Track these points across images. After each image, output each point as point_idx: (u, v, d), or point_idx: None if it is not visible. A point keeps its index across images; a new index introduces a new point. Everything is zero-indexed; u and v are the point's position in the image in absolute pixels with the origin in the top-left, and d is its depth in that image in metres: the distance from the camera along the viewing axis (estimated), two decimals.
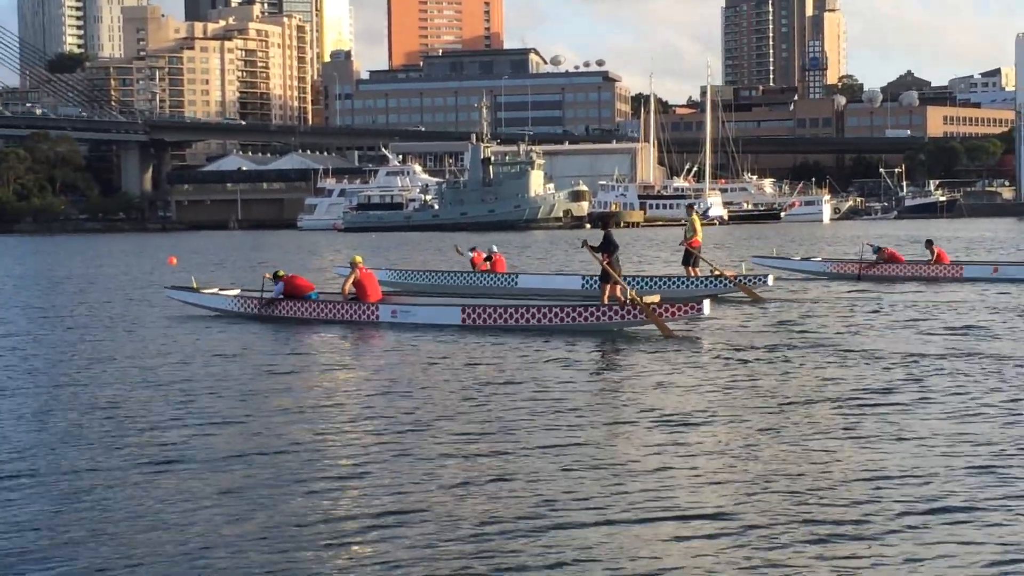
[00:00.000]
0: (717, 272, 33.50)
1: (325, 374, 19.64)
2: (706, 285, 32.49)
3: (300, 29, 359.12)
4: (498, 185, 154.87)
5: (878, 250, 40.83)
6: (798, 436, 13.66)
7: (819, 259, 44.11)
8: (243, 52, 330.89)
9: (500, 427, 14.50)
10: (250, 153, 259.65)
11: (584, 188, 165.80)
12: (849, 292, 34.28)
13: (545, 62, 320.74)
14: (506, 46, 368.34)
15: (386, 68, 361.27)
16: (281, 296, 28.75)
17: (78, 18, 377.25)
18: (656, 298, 25.02)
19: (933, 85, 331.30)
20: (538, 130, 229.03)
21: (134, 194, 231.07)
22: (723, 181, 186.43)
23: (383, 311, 27.21)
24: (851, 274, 40.15)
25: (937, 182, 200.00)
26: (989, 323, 25.05)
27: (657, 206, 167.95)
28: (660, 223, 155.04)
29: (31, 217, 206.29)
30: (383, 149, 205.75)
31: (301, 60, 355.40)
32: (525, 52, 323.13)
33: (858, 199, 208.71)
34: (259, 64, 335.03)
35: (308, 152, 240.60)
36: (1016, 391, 16.35)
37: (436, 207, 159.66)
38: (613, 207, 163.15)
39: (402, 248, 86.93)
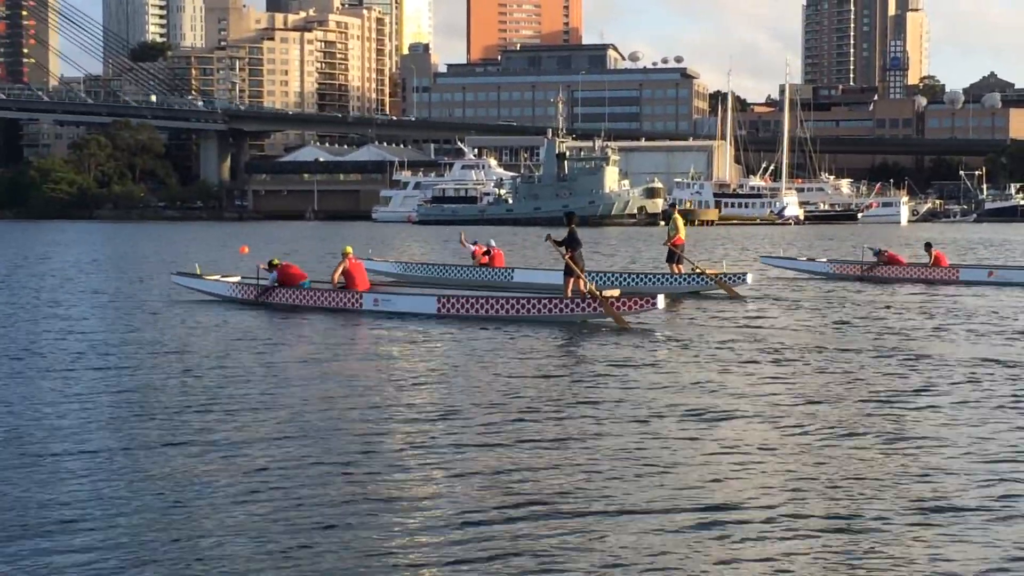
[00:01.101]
0: (698, 270, 34.83)
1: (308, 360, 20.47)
2: (688, 282, 34.12)
3: (379, 21, 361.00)
4: (572, 180, 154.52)
5: (878, 252, 41.59)
6: (735, 426, 14.30)
7: (823, 260, 44.69)
8: (322, 43, 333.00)
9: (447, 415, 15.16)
10: (327, 144, 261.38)
11: (659, 185, 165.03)
12: (832, 292, 35.30)
13: (623, 58, 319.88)
14: (584, 41, 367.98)
15: (464, 62, 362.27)
16: (275, 284, 30.14)
17: (161, 7, 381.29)
18: (616, 292, 26.53)
19: (1016, 87, 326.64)
20: (614, 126, 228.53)
21: (212, 183, 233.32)
22: (800, 181, 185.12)
23: (366, 299, 28.66)
24: (852, 275, 41.01)
25: (1018, 185, 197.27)
26: (954, 325, 25.79)
27: (732, 204, 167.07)
28: (735, 221, 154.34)
29: (111, 204, 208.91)
30: (459, 142, 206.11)
31: (380, 52, 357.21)
32: (603, 48, 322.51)
33: (937, 201, 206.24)
34: (338, 56, 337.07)
35: (385, 144, 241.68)
36: (965, 389, 17.07)
37: (510, 201, 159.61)
38: (687, 205, 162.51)
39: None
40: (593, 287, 26.56)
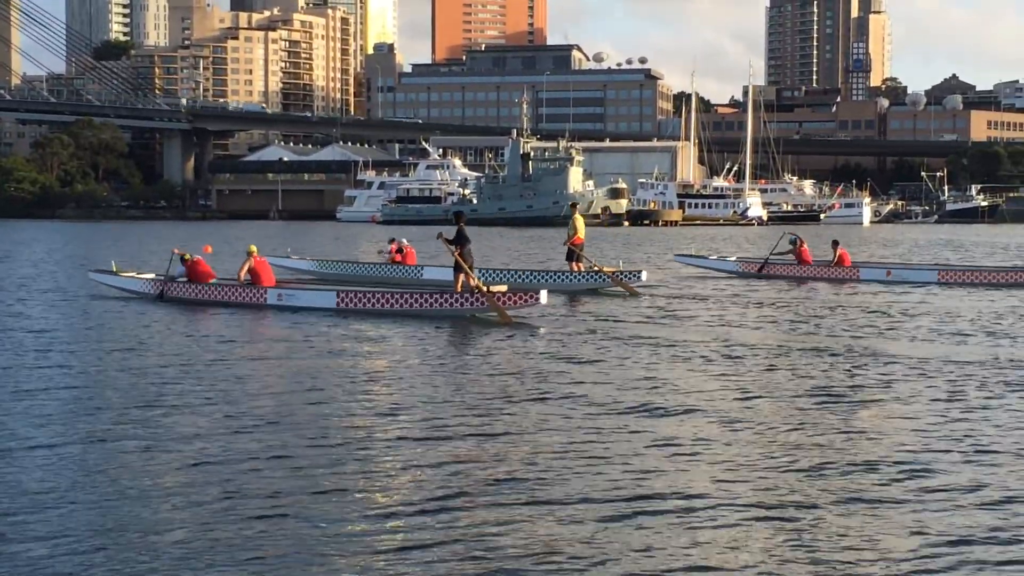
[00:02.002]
0: (596, 268, 36.08)
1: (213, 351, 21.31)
2: (586, 280, 35.62)
3: (344, 21, 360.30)
4: (537, 181, 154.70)
5: (794, 241, 42.42)
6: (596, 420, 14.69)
7: (732, 259, 45.84)
8: (287, 43, 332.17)
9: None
10: (292, 144, 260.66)
11: (623, 185, 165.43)
12: (729, 289, 36.34)
13: (587, 59, 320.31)
14: (549, 42, 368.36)
15: (429, 62, 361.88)
16: (184, 279, 31.32)
17: (124, 6, 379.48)
18: (503, 288, 27.83)
19: (978, 89, 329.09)
20: (579, 127, 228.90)
21: (176, 182, 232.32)
22: (763, 181, 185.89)
23: (270, 295, 29.93)
24: (754, 273, 42.17)
25: (979, 187, 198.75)
26: (843, 320, 26.97)
27: (696, 205, 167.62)
28: (699, 222, 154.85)
29: (74, 203, 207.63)
30: (423, 143, 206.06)
31: (344, 52, 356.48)
32: (568, 48, 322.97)
33: (899, 202, 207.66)
34: (303, 55, 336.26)
35: (349, 144, 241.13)
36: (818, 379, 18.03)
37: (475, 201, 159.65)
38: (651, 205, 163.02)
39: (436, 242, 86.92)
40: (480, 282, 28.08)
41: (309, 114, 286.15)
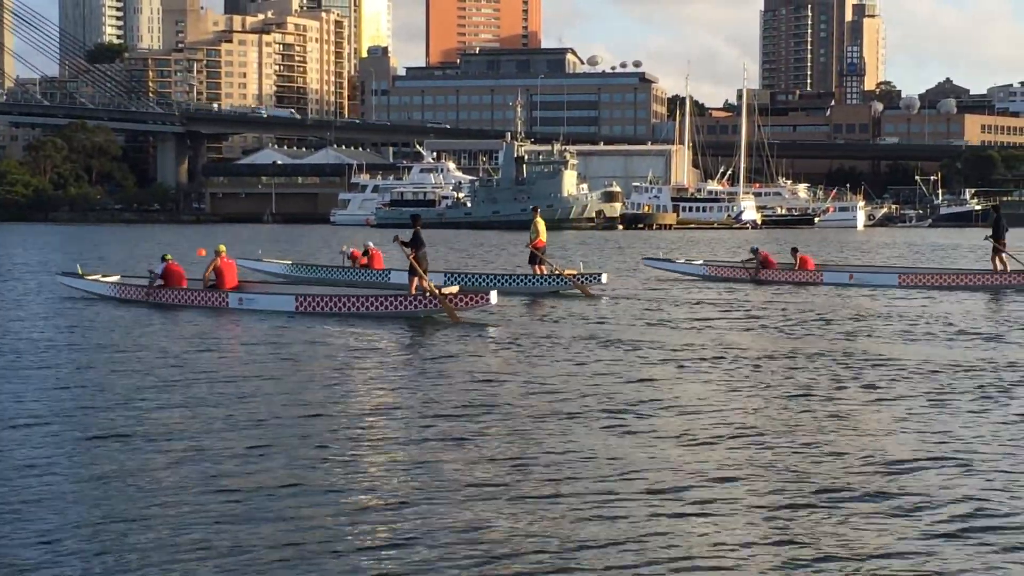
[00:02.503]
0: (557, 271, 36.95)
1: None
2: (547, 283, 36.42)
3: (338, 24, 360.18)
4: (531, 184, 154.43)
5: (754, 250, 43.31)
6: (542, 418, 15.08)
7: (699, 262, 46.45)
8: (281, 46, 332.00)
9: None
10: (285, 147, 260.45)
11: (617, 189, 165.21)
12: (689, 293, 37.12)
13: (582, 62, 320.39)
14: (543, 45, 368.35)
15: (423, 65, 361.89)
16: (160, 282, 32.02)
17: (118, 9, 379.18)
18: (454, 289, 28.90)
19: (972, 93, 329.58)
20: (573, 130, 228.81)
21: (169, 185, 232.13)
22: (757, 185, 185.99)
23: (232, 298, 30.64)
24: (726, 277, 42.84)
25: (973, 191, 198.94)
26: (804, 322, 27.81)
27: (690, 209, 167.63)
28: (693, 226, 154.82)
29: (67, 206, 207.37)
30: (417, 146, 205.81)
31: (338, 55, 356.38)
32: (562, 52, 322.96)
33: (893, 206, 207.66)
34: (296, 58, 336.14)
35: (343, 147, 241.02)
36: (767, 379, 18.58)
37: (469, 205, 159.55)
38: (645, 209, 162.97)
39: (431, 246, 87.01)
40: (433, 285, 29.01)
41: (299, 117, 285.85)
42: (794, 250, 43.58)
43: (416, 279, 29.29)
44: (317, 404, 15.95)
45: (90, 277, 34.68)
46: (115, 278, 34.35)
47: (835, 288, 38.93)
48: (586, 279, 36.25)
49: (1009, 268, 39.42)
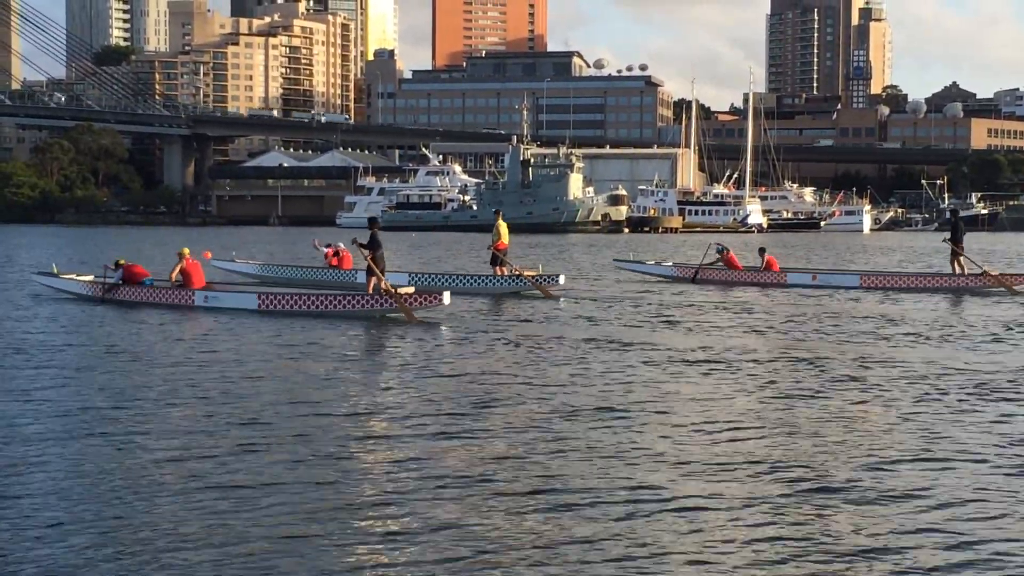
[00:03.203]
0: (517, 271, 38.01)
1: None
2: (508, 283, 37.55)
3: (344, 27, 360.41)
4: (537, 187, 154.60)
5: (721, 250, 44.03)
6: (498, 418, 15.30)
7: (668, 264, 47.87)
8: (287, 49, 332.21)
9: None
10: (292, 150, 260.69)
11: (623, 192, 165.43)
12: (645, 292, 38.41)
13: (588, 65, 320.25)
14: (549, 48, 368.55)
15: (429, 68, 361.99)
16: (120, 282, 33.09)
17: (125, 12, 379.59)
18: (410, 290, 29.99)
19: (978, 97, 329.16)
20: (579, 133, 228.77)
21: (175, 188, 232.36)
22: (763, 189, 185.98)
23: (198, 296, 31.77)
24: (689, 277, 43.47)
25: (979, 195, 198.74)
26: (760, 321, 28.84)
27: (696, 212, 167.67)
28: (699, 229, 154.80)
29: (74, 208, 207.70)
30: (424, 149, 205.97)
31: (345, 58, 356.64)
32: (568, 55, 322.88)
33: (899, 210, 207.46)
34: (303, 61, 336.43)
35: (349, 150, 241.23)
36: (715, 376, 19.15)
37: (475, 208, 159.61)
38: (651, 212, 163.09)
39: (435, 247, 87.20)
40: (389, 285, 30.09)
41: (306, 120, 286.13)
42: (761, 250, 44.09)
43: (373, 279, 30.48)
44: (260, 400, 16.35)
45: (65, 276, 35.85)
46: (88, 277, 35.36)
47: (799, 289, 39.95)
48: (545, 280, 37.29)
49: (967, 271, 40.31)
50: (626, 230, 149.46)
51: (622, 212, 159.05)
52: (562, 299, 35.06)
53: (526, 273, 37.83)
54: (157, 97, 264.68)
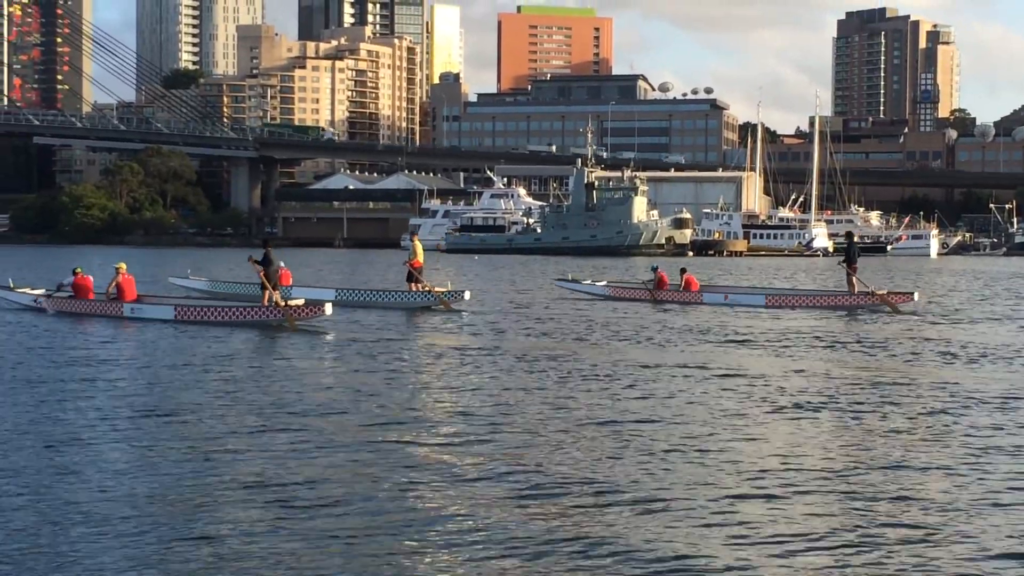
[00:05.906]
0: (427, 288, 41.67)
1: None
2: (420, 299, 41.17)
3: (411, 51, 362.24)
4: (601, 210, 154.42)
5: (655, 268, 47.47)
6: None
7: (603, 283, 50.90)
8: (354, 72, 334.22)
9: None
10: (357, 172, 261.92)
11: (687, 216, 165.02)
12: (589, 311, 40.58)
13: (653, 88, 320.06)
14: (614, 72, 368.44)
15: (494, 91, 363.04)
16: (70, 293, 36.56)
17: (194, 36, 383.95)
18: (301, 301, 34.05)
19: None
20: (644, 156, 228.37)
21: (242, 210, 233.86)
22: (829, 212, 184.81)
23: (126, 308, 35.28)
24: (624, 297, 46.86)
25: None
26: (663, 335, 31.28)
27: (761, 236, 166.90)
28: (763, 252, 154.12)
29: (143, 229, 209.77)
30: (488, 171, 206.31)
31: (410, 81, 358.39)
32: (633, 78, 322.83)
33: (967, 234, 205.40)
34: (369, 84, 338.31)
35: (414, 173, 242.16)
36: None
37: (539, 231, 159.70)
38: (716, 236, 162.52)
39: (499, 270, 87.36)
40: (278, 296, 33.94)
41: (372, 143, 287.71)
42: (682, 271, 46.76)
43: (267, 293, 33.93)
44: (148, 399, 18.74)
45: (19, 289, 39.42)
46: (40, 291, 38.72)
47: (712, 307, 42.51)
48: (450, 296, 40.92)
49: (857, 290, 43.05)
50: (690, 253, 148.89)
51: (686, 235, 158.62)
52: (463, 313, 38.66)
53: (436, 289, 41.32)
54: (225, 120, 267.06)
